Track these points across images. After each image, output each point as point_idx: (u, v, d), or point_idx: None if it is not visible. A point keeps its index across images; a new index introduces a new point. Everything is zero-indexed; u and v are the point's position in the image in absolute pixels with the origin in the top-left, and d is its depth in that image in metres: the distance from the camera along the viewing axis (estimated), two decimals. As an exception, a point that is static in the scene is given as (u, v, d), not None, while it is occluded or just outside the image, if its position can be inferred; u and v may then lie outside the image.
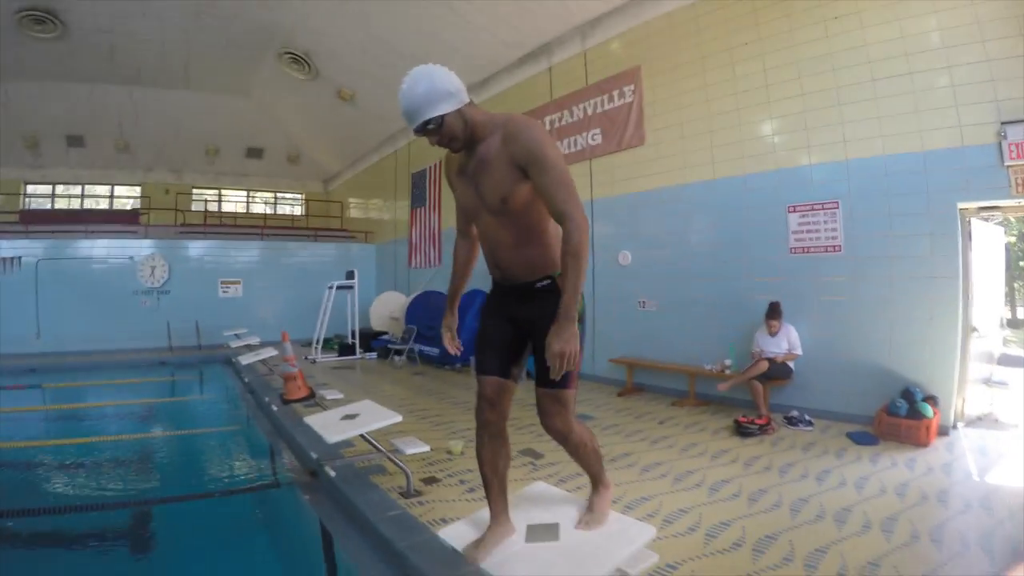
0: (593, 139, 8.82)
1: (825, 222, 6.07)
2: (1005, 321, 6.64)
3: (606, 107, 8.58)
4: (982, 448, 4.87)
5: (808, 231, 6.21)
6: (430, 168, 13.28)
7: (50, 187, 17.93)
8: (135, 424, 7.44)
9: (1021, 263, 23.21)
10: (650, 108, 7.97)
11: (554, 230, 2.45)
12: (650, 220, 8.04)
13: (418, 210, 13.87)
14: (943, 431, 5.17)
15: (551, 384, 2.43)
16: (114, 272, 13.54)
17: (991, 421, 5.63)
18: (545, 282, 2.46)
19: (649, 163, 8.01)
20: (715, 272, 7.16)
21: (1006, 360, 6.19)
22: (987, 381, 5.92)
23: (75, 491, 5.02)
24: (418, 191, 13.84)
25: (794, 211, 6.33)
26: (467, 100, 2.29)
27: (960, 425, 5.42)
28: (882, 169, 5.71)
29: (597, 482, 2.74)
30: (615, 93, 8.40)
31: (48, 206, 17.71)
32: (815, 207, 6.16)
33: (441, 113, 2.22)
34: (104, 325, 13.08)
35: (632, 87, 8.13)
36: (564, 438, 2.54)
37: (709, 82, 7.20)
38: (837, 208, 5.99)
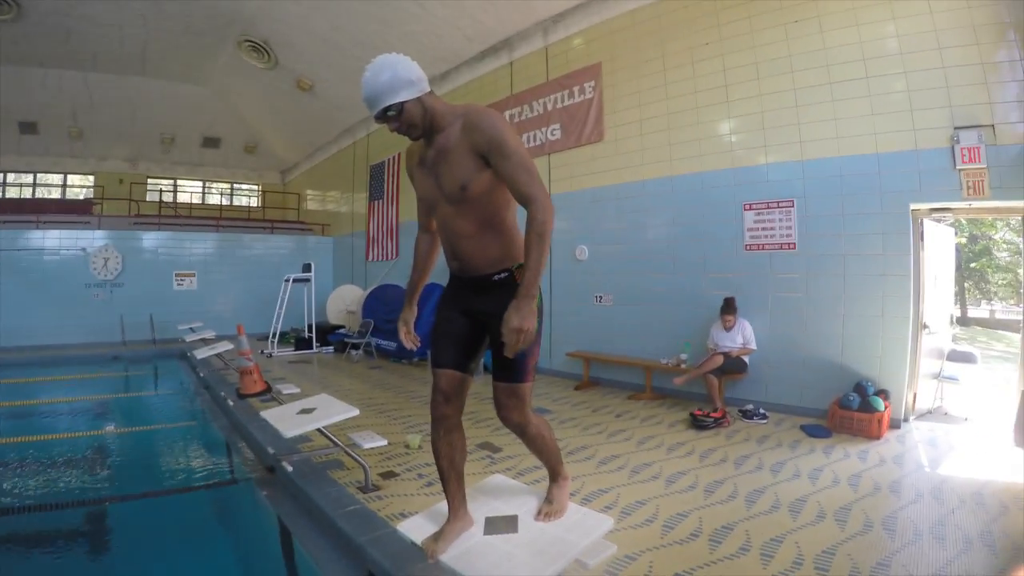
0: (552, 134, 8.83)
1: (780, 220, 6.19)
2: (955, 319, 6.85)
3: (566, 103, 8.60)
4: (932, 440, 5.03)
5: (764, 228, 6.32)
6: (388, 161, 13.18)
7: (1, 176, 17.27)
8: (88, 421, 7.21)
9: (971, 264, 24.11)
10: (610, 105, 8.02)
11: (512, 222, 2.46)
12: (608, 216, 8.09)
13: (376, 203, 13.74)
14: (894, 424, 5.34)
15: (508, 378, 2.44)
16: (66, 264, 13.06)
17: (941, 415, 5.82)
18: (503, 275, 2.46)
19: (608, 159, 8.06)
20: (672, 268, 7.24)
21: (956, 356, 6.38)
22: (937, 376, 6.11)
23: (28, 491, 4.85)
24: (376, 184, 13.72)
25: (750, 209, 6.43)
26: (428, 90, 2.31)
27: (911, 418, 5.61)
28: (837, 170, 5.84)
29: (556, 474, 2.74)
30: (575, 89, 8.43)
31: None
32: (771, 205, 6.27)
33: (401, 100, 2.23)
34: (56, 319, 12.64)
35: (593, 83, 8.16)
36: (522, 431, 2.54)
37: (669, 80, 7.26)
38: (792, 207, 6.11)
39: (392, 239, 13.12)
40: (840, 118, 5.83)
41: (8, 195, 17.21)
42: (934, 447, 4.85)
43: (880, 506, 3.65)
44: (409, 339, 2.89)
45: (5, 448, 5.83)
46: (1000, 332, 19.86)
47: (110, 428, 6.86)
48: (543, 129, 8.96)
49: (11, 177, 17.50)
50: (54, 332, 12.48)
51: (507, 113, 9.50)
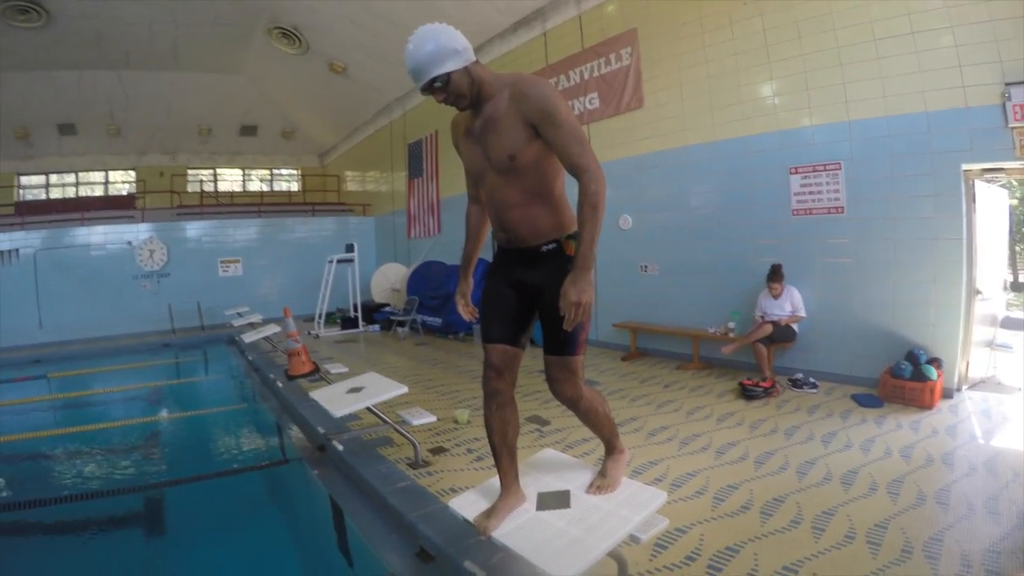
0: (591, 103, 8.70)
1: (827, 183, 6.01)
2: (1009, 284, 6.59)
3: (603, 71, 8.45)
4: (985, 411, 4.86)
5: (810, 193, 6.15)
6: (426, 138, 13.15)
7: (44, 177, 17.78)
8: (142, 408, 7.47)
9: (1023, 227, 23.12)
10: (648, 71, 7.85)
11: (560, 193, 2.43)
12: (650, 184, 7.96)
13: (416, 180, 13.77)
14: (947, 394, 5.18)
15: (560, 351, 2.42)
16: (113, 258, 13.45)
17: (994, 384, 5.62)
18: (551, 245, 2.42)
19: (648, 126, 7.90)
20: (717, 235, 7.12)
21: (1009, 323, 6.16)
22: (990, 344, 5.90)
23: (86, 479, 5.05)
24: (415, 161, 13.73)
25: (796, 173, 6.26)
26: (473, 59, 2.26)
27: (964, 388, 5.42)
28: (885, 130, 5.63)
29: (612, 447, 2.72)
30: (612, 56, 8.27)
31: (43, 196, 17.57)
32: (817, 168, 6.09)
33: (448, 71, 2.19)
34: (106, 311, 13.05)
35: (629, 50, 7.99)
36: (574, 405, 2.53)
37: (708, 43, 7.06)
38: (840, 169, 5.92)
39: (433, 216, 13.16)
40: (886, 76, 5.59)
41: (52, 196, 17.74)
42: (987, 418, 4.69)
43: (933, 479, 3.57)
44: (467, 311, 2.89)
45: (65, 438, 6.07)
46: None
47: (163, 414, 7.09)
48: (581, 99, 8.83)
49: (54, 178, 18.00)
50: (105, 324, 12.89)
51: (543, 84, 9.38)
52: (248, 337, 9.26)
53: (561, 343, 2.41)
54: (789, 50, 6.28)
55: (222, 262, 14.65)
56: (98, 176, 18.64)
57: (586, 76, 8.73)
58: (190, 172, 19.56)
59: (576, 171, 2.19)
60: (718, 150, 7.06)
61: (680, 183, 7.57)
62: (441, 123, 12.46)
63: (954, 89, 5.17)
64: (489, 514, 2.43)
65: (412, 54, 2.19)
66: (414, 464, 4.20)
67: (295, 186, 21.30)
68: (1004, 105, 4.87)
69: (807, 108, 6.20)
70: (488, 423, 2.52)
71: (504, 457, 2.50)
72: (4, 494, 4.81)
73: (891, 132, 5.58)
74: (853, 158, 5.85)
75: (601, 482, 2.63)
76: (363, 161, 17.78)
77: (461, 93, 2.26)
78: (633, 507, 2.39)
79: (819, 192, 6.08)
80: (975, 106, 5.06)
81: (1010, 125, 4.85)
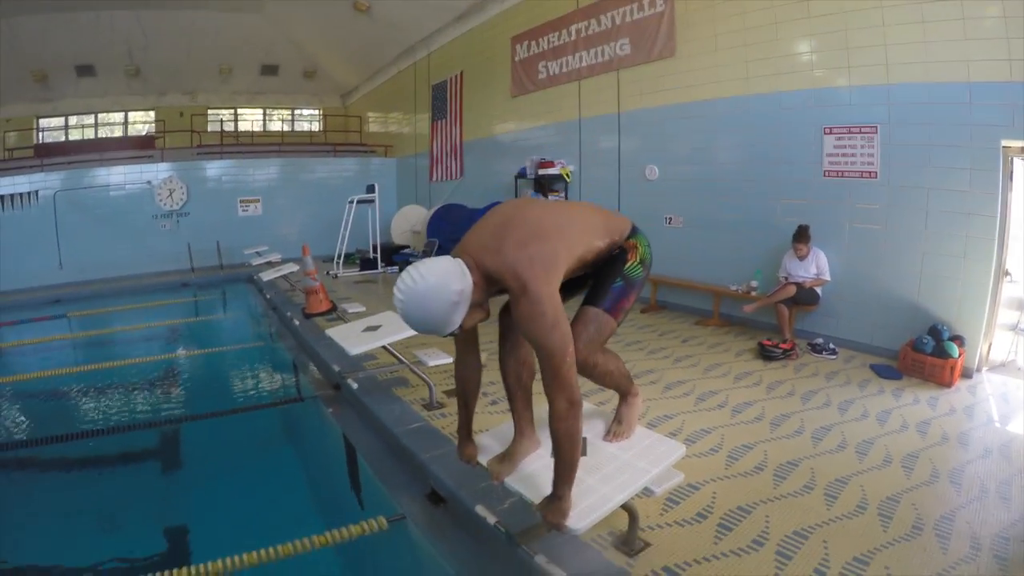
0: (621, 49, 8.45)
1: (862, 147, 5.82)
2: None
3: (636, 16, 8.17)
4: (1004, 395, 4.75)
5: (844, 155, 5.96)
6: (451, 79, 12.90)
7: (63, 119, 17.61)
8: (160, 346, 7.57)
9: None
10: (682, 19, 7.58)
11: (602, 242, 2.38)
12: (678, 135, 7.79)
13: (439, 122, 13.56)
14: (967, 373, 5.06)
15: (597, 303, 2.36)
16: (132, 198, 13.43)
17: (1014, 369, 5.49)
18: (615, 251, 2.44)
19: (679, 76, 7.68)
20: (744, 191, 6.97)
21: (1037, 309, 6.01)
22: (1015, 328, 5.76)
23: (106, 415, 5.15)
24: (439, 103, 13.50)
25: (830, 133, 6.06)
26: (469, 293, 2.04)
27: (984, 369, 5.29)
28: (925, 97, 5.40)
29: (625, 393, 2.67)
30: (646, 2, 7.99)
31: (62, 138, 17.47)
32: (852, 130, 5.88)
33: (458, 324, 2.07)
34: (125, 251, 13.10)
35: (665, -5, 7.75)
36: (590, 371, 2.43)
37: (746, -9, 6.81)
38: (875, 133, 5.72)
39: (456, 159, 13.01)
40: (930, 41, 5.32)
41: (72, 137, 17.58)
42: (1006, 402, 4.59)
43: (948, 457, 3.52)
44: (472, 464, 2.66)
45: (86, 376, 6.17)
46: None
47: (181, 352, 7.18)
48: (611, 44, 8.58)
49: (73, 120, 17.78)
50: (124, 264, 12.95)
51: (573, 27, 9.16)
52: (266, 276, 9.30)
53: (602, 297, 2.37)
54: (831, 6, 6.00)
55: (241, 201, 14.61)
56: (118, 117, 18.47)
57: (618, 21, 8.46)
58: (210, 112, 19.39)
59: (552, 390, 2.02)
60: (750, 104, 6.85)
61: (708, 136, 7.39)
62: (467, 64, 12.27)
63: (1000, 62, 4.91)
64: (502, 459, 2.42)
65: (412, 325, 2.06)
66: (429, 405, 4.23)
67: (316, 126, 21.11)
68: None
69: (846, 67, 5.95)
70: (502, 364, 2.50)
71: (518, 399, 2.48)
72: (26, 430, 4.92)
73: (931, 99, 5.36)
74: (890, 122, 5.63)
75: (617, 428, 2.61)
76: (386, 102, 17.53)
77: (477, 319, 2.16)
78: (651, 459, 2.37)
79: (852, 155, 5.89)
80: (1020, 81, 4.81)
81: None
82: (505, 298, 2.21)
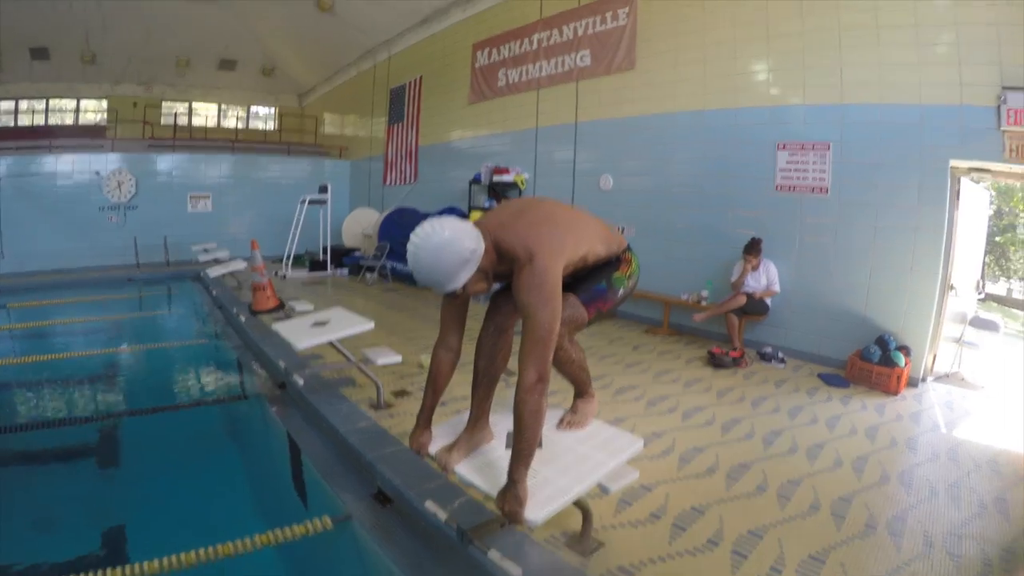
0: (581, 60, 8.53)
1: (814, 163, 5.96)
2: (981, 285, 6.64)
3: (597, 28, 8.26)
4: (949, 403, 4.89)
5: (796, 170, 6.10)
6: (410, 84, 12.83)
7: (12, 103, 16.83)
8: (102, 340, 7.23)
9: (996, 238, 23.61)
10: (643, 33, 7.69)
11: (602, 249, 2.51)
12: (635, 147, 7.86)
13: (396, 126, 13.46)
14: (912, 382, 5.20)
15: (574, 292, 2.43)
16: (80, 188, 12.91)
17: (958, 379, 5.67)
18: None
19: (638, 89, 7.77)
20: (697, 203, 7.06)
21: (978, 322, 6.20)
22: (958, 340, 5.95)
23: (41, 409, 4.91)
24: (396, 107, 13.41)
25: (784, 148, 6.20)
26: (481, 252, 2.11)
27: (929, 379, 5.46)
28: (877, 116, 5.58)
29: (583, 391, 2.68)
30: (608, 15, 8.07)
31: (11, 123, 16.70)
32: (806, 147, 6.03)
33: (463, 283, 2.10)
34: (70, 243, 12.57)
35: (627, 10, 7.80)
36: (555, 353, 2.42)
37: (707, 10, 6.92)
38: (828, 150, 5.87)
39: (411, 163, 12.93)
40: (884, 63, 5.52)
41: (21, 123, 16.81)
42: (951, 410, 4.72)
43: (897, 460, 3.59)
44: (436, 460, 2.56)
45: (23, 368, 5.86)
46: (1016, 312, 19.58)
47: (123, 347, 6.88)
48: (572, 55, 8.65)
49: (23, 104, 16.98)
50: (68, 256, 12.41)
51: (535, 37, 9.19)
52: (213, 271, 9.00)
53: (584, 290, 2.46)
54: (790, 26, 6.17)
55: (192, 196, 14.19)
56: (69, 104, 17.76)
57: (579, 32, 8.53)
58: (165, 105, 18.80)
59: (527, 361, 2.06)
60: (706, 119, 6.96)
61: (664, 148, 7.47)
62: (427, 68, 12.20)
63: (951, 85, 5.13)
64: (452, 448, 2.35)
65: (421, 277, 2.09)
66: (376, 406, 4.11)
67: (272, 125, 20.70)
68: (999, 108, 4.84)
69: (802, 86, 6.12)
70: (480, 345, 2.46)
71: (483, 386, 2.42)
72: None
73: (883, 119, 5.54)
74: (843, 140, 5.80)
75: (571, 418, 2.59)
76: (343, 104, 17.35)
77: (479, 291, 2.22)
78: (609, 451, 2.32)
79: (804, 170, 6.03)
80: (970, 104, 5.02)
81: (1002, 128, 4.83)
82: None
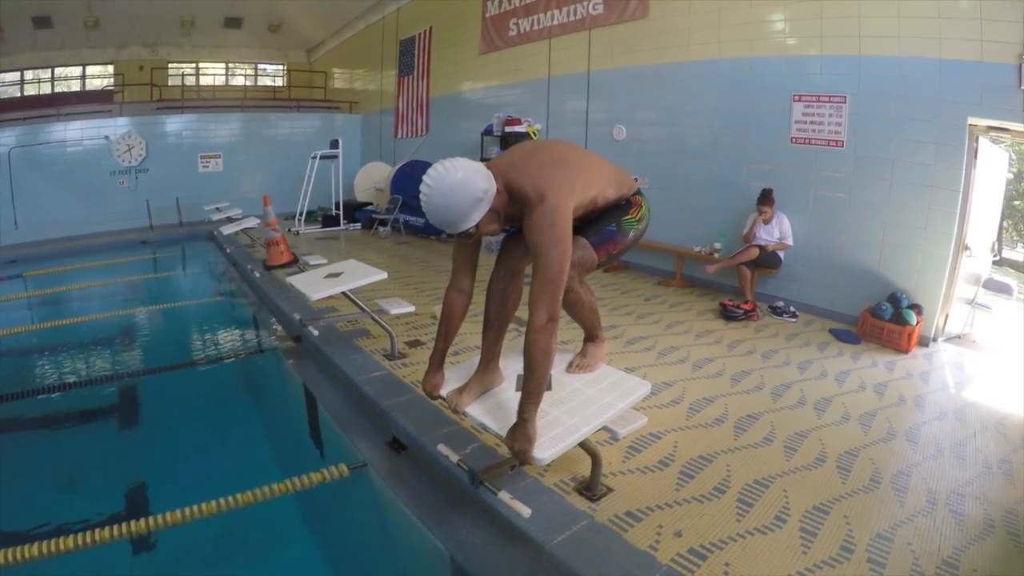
0: (594, 8, 8.33)
1: (830, 116, 5.85)
2: (996, 248, 6.53)
3: (609, -25, 8.09)
4: (959, 364, 4.86)
5: (812, 122, 5.99)
6: (419, 35, 12.62)
7: (18, 74, 16.57)
8: (119, 303, 7.26)
9: (1015, 202, 23.19)
10: (656, -21, 7.53)
11: (611, 192, 2.52)
12: (648, 97, 7.75)
13: (406, 78, 13.29)
14: (923, 342, 5.18)
15: (585, 235, 2.44)
16: (90, 154, 12.81)
17: (969, 341, 5.64)
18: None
19: (651, 37, 7.61)
20: (711, 154, 6.98)
21: (992, 284, 6.14)
22: (971, 302, 5.91)
23: (62, 372, 4.95)
24: (406, 59, 13.20)
25: (799, 100, 6.08)
26: (494, 192, 2.12)
27: (940, 339, 5.41)
28: (895, 70, 5.43)
29: (593, 336, 2.70)
30: (621, -40, 7.89)
31: (17, 93, 16.45)
32: (821, 99, 5.92)
33: (475, 223, 2.11)
34: (83, 209, 12.55)
35: (640, -45, 7.63)
36: (565, 295, 2.44)
37: (724, -45, 6.75)
38: (844, 103, 5.75)
39: (422, 115, 12.79)
40: (904, 16, 5.35)
41: (27, 93, 16.56)
42: (960, 370, 4.70)
43: (904, 417, 3.60)
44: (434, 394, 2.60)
45: (40, 333, 5.96)
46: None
47: (139, 308, 6.94)
48: (584, 2, 8.45)
49: (29, 75, 16.71)
50: (82, 222, 12.40)
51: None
52: (226, 230, 9.04)
53: (594, 232, 2.46)
54: (807, -25, 6.02)
55: (202, 157, 14.12)
56: (75, 71, 17.57)
57: (592, -21, 8.35)
58: (171, 66, 18.61)
59: (537, 301, 2.07)
60: (721, 69, 6.82)
61: (678, 99, 7.35)
62: (436, 19, 11.97)
63: (971, 41, 4.96)
64: (462, 390, 2.39)
65: (432, 215, 2.09)
66: (390, 356, 4.16)
67: (280, 82, 20.52)
68: (1020, 66, 4.67)
69: (819, 37, 5.96)
70: (491, 287, 2.47)
71: (494, 329, 2.45)
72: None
73: (901, 73, 5.39)
74: (859, 93, 5.66)
75: (581, 361, 2.62)
76: (352, 58, 17.12)
77: (492, 231, 2.22)
78: (617, 394, 2.35)
79: (820, 123, 5.92)
80: (990, 61, 4.86)
81: (1023, 87, 4.68)
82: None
